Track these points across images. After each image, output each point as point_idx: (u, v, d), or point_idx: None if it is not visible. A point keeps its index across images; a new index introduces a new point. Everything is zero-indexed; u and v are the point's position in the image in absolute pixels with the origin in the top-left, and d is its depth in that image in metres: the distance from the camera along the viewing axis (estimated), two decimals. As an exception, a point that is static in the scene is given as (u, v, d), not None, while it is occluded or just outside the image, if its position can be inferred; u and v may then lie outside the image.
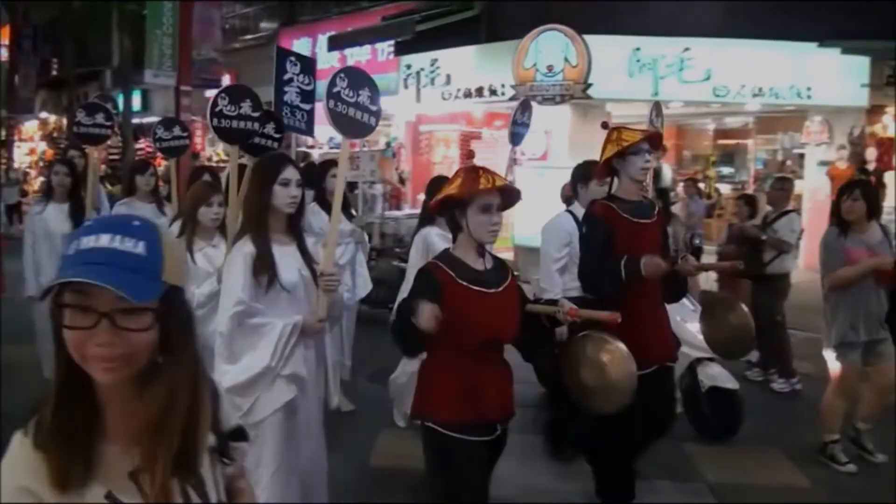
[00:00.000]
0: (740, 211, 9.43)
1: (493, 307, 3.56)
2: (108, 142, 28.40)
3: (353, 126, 4.45)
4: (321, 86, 5.79)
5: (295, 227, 4.12)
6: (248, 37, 24.51)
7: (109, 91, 28.83)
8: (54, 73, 32.24)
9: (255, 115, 5.10)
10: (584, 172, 5.58)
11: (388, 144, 19.51)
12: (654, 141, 4.77)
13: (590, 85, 14.17)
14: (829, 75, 14.29)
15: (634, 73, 14.48)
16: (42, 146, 34.63)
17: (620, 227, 4.64)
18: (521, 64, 14.52)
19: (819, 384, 7.72)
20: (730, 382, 6.42)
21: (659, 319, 4.86)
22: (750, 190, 16.60)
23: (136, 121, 23.95)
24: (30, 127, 35.63)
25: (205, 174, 7.09)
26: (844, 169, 14.22)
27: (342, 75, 4.40)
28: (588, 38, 14.14)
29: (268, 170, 4.06)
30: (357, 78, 4.48)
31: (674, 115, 17.27)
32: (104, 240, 1.44)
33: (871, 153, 14.60)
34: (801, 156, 16.17)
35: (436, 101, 16.75)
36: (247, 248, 3.91)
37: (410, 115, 18.79)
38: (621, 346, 4.11)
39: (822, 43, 13.70)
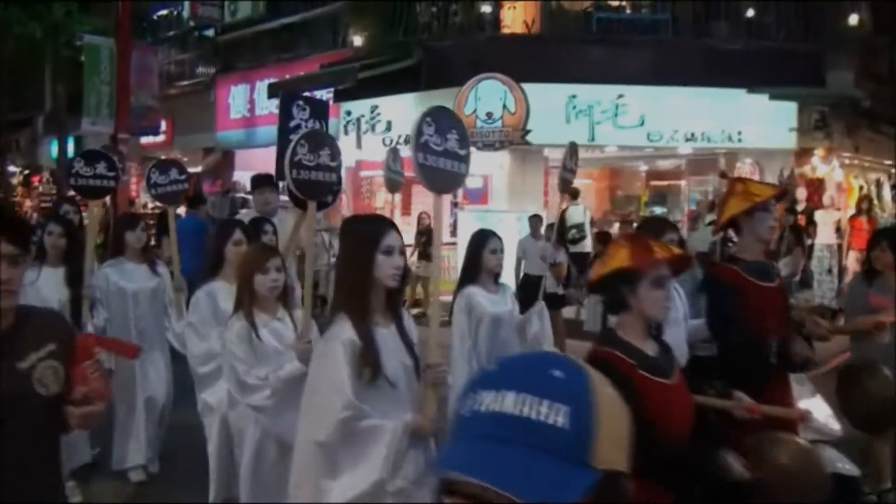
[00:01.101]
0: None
1: (674, 401, 3.02)
2: (40, 188, 27.75)
3: (444, 179, 3.75)
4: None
5: (395, 305, 3.46)
6: (185, 83, 24.39)
7: (42, 137, 28.49)
8: (-16, 118, 31.71)
9: (334, 164, 4.53)
10: (655, 230, 4.68)
11: (328, 189, 19.53)
12: (783, 197, 4.47)
13: (528, 131, 14.43)
14: (759, 120, 14.78)
15: (571, 118, 14.80)
16: (-28, 193, 33.94)
17: (747, 293, 4.23)
18: (462, 110, 14.73)
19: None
20: (849, 466, 5.19)
21: (786, 393, 4.28)
22: (684, 229, 16.98)
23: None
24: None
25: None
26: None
27: (429, 120, 3.66)
28: (525, 85, 14.42)
29: (368, 235, 3.36)
30: (445, 120, 3.75)
31: (608, 157, 17.65)
32: (509, 401, 1.02)
33: (801, 193, 15.09)
34: (733, 196, 16.57)
35: (377, 147, 16.85)
36: (346, 334, 3.18)
37: (351, 161, 18.87)
38: (807, 444, 3.52)
39: (750, 89, 14.19)
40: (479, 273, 5.43)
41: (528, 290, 8.28)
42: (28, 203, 30.21)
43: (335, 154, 4.49)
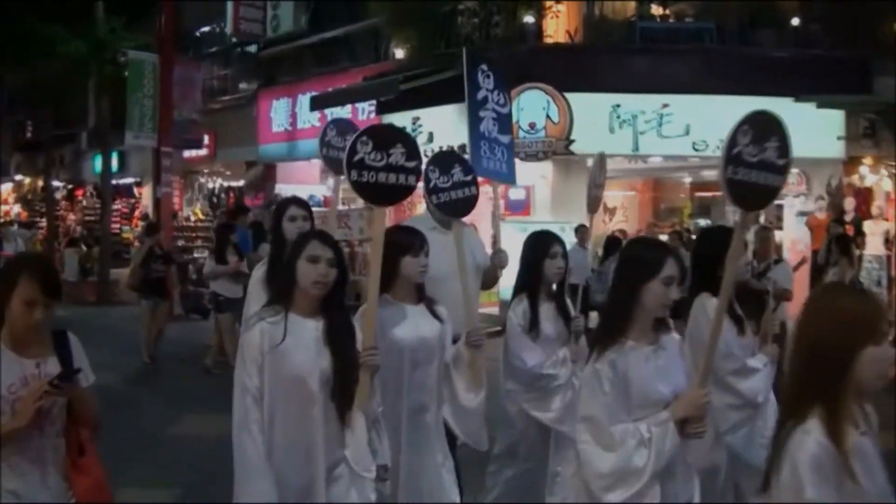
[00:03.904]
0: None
1: None
2: (84, 202, 28.15)
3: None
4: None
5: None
6: (227, 97, 24.58)
7: (85, 152, 28.87)
8: (29, 135, 32.18)
9: (781, 162, 3.33)
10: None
11: (370, 201, 19.59)
12: None
13: (572, 141, 14.37)
14: (806, 128, 14.53)
15: (615, 128, 14.70)
16: (16, 208, 34.50)
17: None
18: (504, 121, 14.69)
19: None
20: None
21: None
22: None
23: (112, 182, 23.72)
24: (3, 189, 35.54)
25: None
26: (823, 219, 14.44)
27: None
28: (569, 95, 14.37)
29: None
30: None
31: (651, 168, 17.51)
32: None
33: (849, 203, 14.85)
34: (780, 206, 16.38)
35: (418, 159, 16.88)
36: None
37: (392, 173, 18.97)
38: None
39: (797, 98, 14.01)
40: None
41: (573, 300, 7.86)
42: (71, 217, 30.64)
43: (784, 149, 3.27)
